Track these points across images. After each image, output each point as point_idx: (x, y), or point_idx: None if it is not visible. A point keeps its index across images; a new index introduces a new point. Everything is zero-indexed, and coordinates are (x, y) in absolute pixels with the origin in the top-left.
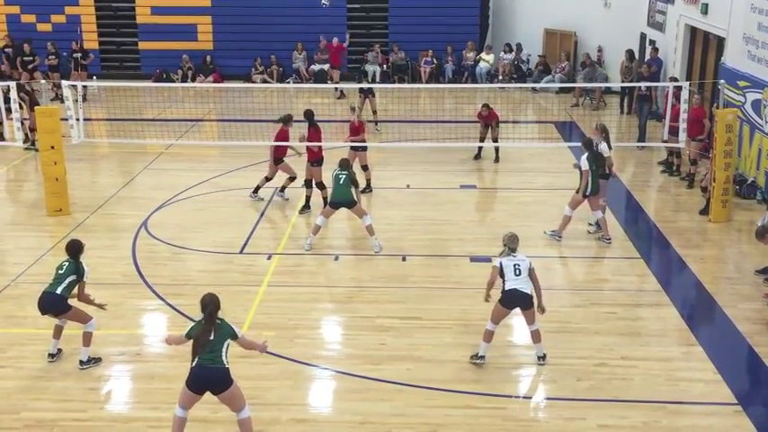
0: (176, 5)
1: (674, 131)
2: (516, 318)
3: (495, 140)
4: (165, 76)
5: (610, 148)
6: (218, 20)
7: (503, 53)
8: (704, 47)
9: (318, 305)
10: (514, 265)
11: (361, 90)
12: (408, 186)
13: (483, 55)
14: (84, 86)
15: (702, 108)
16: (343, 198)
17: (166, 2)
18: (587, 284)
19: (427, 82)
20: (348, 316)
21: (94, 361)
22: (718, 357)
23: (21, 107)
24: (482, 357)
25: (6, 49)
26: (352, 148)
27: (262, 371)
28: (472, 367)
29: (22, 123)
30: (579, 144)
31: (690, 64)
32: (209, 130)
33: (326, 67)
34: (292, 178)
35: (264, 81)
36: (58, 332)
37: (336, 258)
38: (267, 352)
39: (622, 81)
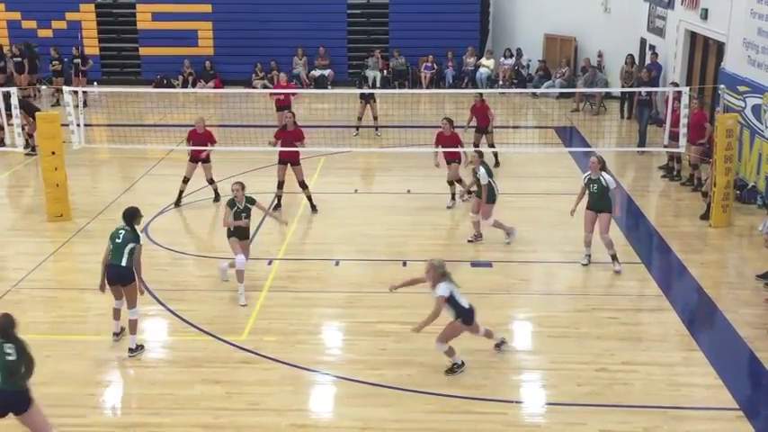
0: (177, 11)
1: (674, 136)
2: (516, 323)
3: (492, 146)
4: (165, 81)
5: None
6: (219, 25)
7: (503, 58)
8: (704, 52)
9: (319, 310)
10: (455, 287)
11: (362, 96)
12: (409, 191)
13: (483, 60)
14: (85, 92)
15: (703, 112)
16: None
17: (167, 8)
18: (588, 289)
19: (428, 87)
20: (349, 321)
21: (141, 348)
22: (720, 362)
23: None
24: (462, 364)
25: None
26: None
27: (262, 376)
28: (473, 372)
29: (23, 129)
30: (580, 149)
31: (690, 69)
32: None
33: (327, 72)
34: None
35: (265, 86)
36: (116, 314)
37: (337, 263)
38: (267, 357)
39: (623, 86)
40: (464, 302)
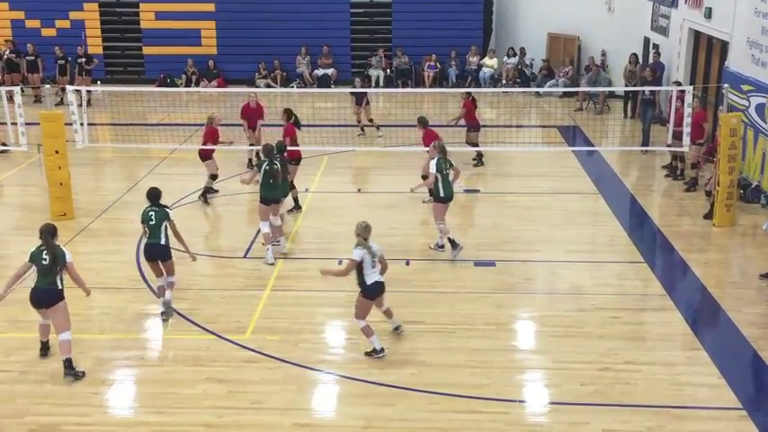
0: (180, 10)
1: (677, 136)
2: (520, 322)
3: (475, 145)
4: (169, 80)
5: (438, 169)
6: (222, 24)
7: (506, 57)
8: (708, 51)
9: (322, 309)
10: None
11: (356, 100)
12: (412, 190)
13: (486, 60)
14: (89, 91)
15: (702, 112)
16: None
17: (170, 7)
18: (591, 289)
19: (431, 86)
20: (352, 320)
21: (171, 309)
22: (723, 362)
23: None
24: (382, 351)
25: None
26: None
27: (266, 375)
28: (476, 371)
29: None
30: (583, 149)
31: (693, 68)
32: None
33: (330, 71)
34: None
35: (268, 85)
36: (161, 291)
37: (340, 262)
38: (270, 356)
39: (626, 85)
40: (371, 277)
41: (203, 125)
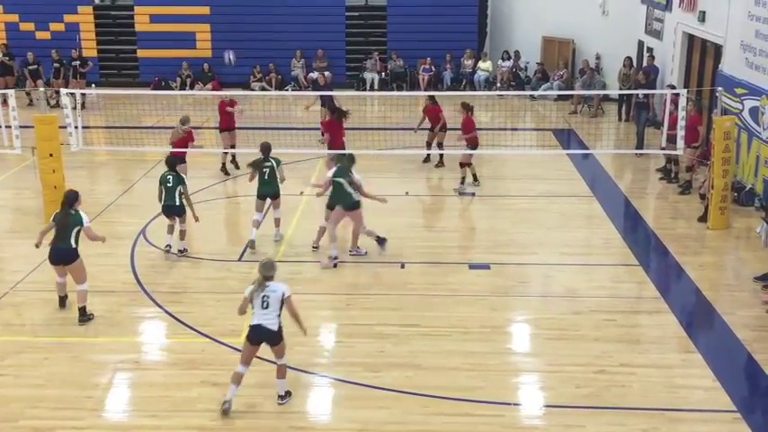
0: (175, 13)
1: (671, 139)
2: (515, 324)
3: (440, 146)
4: (163, 83)
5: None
6: (217, 27)
7: (501, 60)
8: (702, 54)
9: (317, 312)
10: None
11: (321, 102)
12: (407, 193)
13: (480, 63)
14: (83, 94)
15: (696, 115)
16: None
17: (165, 10)
18: (586, 291)
19: (426, 89)
20: (347, 323)
21: (185, 251)
22: (717, 364)
23: None
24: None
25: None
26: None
27: (261, 378)
28: (471, 374)
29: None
30: (578, 152)
31: (687, 71)
32: (207, 137)
33: (325, 74)
34: None
35: (263, 89)
36: (170, 229)
37: (335, 265)
38: (265, 359)
39: (620, 88)
40: (254, 318)
41: (174, 127)
